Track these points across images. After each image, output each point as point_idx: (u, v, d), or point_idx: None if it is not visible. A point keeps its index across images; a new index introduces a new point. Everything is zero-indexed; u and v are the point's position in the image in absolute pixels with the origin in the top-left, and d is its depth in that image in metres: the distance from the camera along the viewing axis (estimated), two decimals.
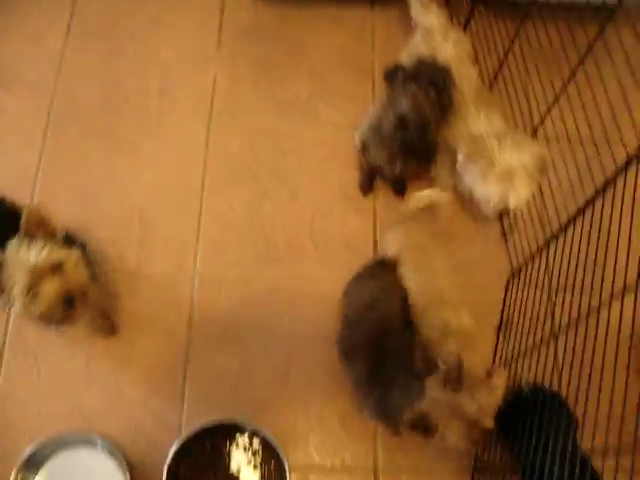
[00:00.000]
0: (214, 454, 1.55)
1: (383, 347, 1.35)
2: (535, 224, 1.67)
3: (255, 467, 1.55)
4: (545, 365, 1.42)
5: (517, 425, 1.38)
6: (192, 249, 1.77)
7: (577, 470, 1.11)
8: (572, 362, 1.23)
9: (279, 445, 1.51)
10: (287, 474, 1.48)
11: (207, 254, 1.77)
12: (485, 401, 1.13)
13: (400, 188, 1.85)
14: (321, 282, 1.75)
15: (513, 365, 1.55)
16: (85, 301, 1.26)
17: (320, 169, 1.90)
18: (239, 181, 1.88)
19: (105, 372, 1.62)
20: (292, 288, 1.74)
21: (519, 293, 1.67)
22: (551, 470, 1.15)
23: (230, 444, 1.57)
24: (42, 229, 1.22)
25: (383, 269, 1.51)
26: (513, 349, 1.58)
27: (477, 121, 1.62)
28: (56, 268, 1.20)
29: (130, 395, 1.60)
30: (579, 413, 1.15)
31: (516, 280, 1.73)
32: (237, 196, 1.86)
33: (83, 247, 1.41)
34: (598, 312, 1.19)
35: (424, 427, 1.13)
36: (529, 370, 1.45)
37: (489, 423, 1.14)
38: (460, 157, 1.59)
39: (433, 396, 1.15)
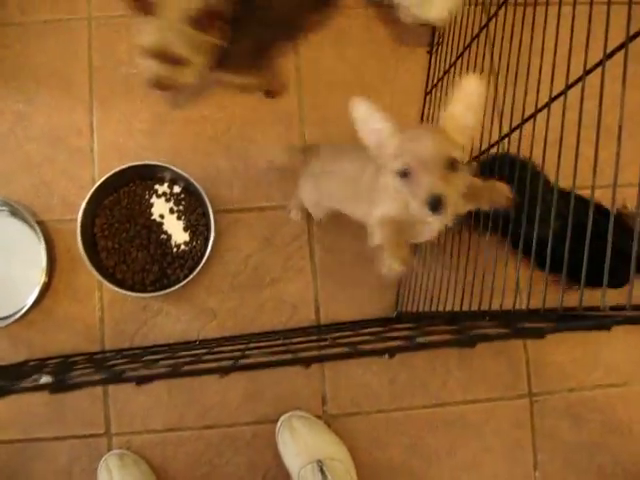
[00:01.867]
0: (132, 205, 1.44)
1: None
2: None
3: (179, 217, 1.44)
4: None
5: None
6: None
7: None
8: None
9: (202, 190, 1.38)
10: (212, 220, 1.37)
11: None
12: None
13: None
14: None
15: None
16: None
17: None
18: None
19: (3, 133, 1.45)
20: None
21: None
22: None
23: (150, 195, 1.45)
24: None
25: None
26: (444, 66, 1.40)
27: None
28: None
29: (35, 154, 1.45)
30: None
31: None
32: None
33: None
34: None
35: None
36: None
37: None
38: None
39: None
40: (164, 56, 1.11)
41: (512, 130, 1.07)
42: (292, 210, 1.45)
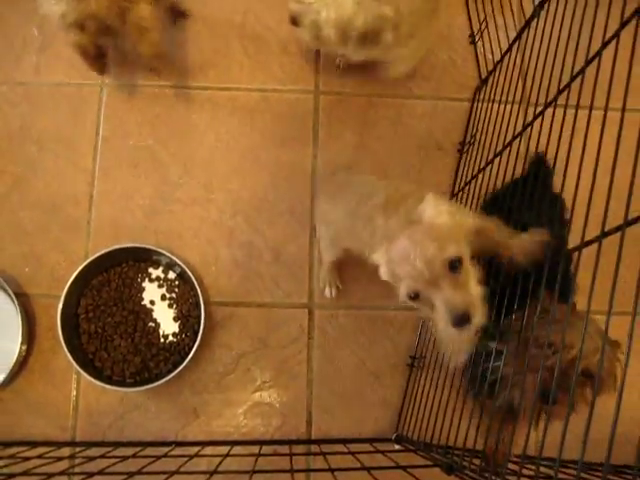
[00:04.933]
0: (122, 287, 1.34)
1: None
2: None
3: (170, 305, 1.33)
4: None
5: None
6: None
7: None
8: None
9: (195, 279, 1.27)
10: (202, 313, 1.26)
11: (118, 62, 1.45)
12: None
13: None
14: (252, 94, 1.44)
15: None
16: None
17: None
18: None
19: None
20: (216, 100, 1.43)
21: (489, 105, 1.33)
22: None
23: (142, 278, 1.34)
24: None
25: None
26: (474, 168, 1.28)
27: None
28: None
29: (29, 221, 1.37)
30: None
31: (486, 89, 1.39)
32: None
33: None
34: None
35: None
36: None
37: None
38: None
39: None
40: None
41: None
42: (325, 286, 1.34)
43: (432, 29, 1.27)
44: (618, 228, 0.69)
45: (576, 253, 0.79)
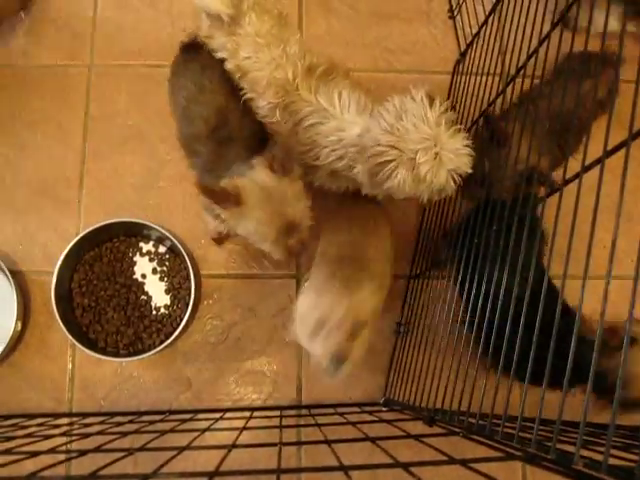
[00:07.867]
0: (114, 262, 1.37)
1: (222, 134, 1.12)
2: None
3: (162, 278, 1.37)
4: None
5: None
6: (88, 39, 1.49)
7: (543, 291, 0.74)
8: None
9: (185, 252, 1.31)
10: (193, 284, 1.29)
11: (105, 44, 1.48)
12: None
13: None
14: None
15: None
16: None
17: None
18: None
19: None
20: None
21: (467, 77, 1.36)
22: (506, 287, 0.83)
23: (133, 253, 1.38)
24: None
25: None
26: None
27: None
28: None
29: (21, 201, 1.40)
30: None
31: (465, 62, 1.42)
32: None
33: None
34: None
35: (226, 200, 0.94)
36: None
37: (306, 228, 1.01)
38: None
39: (255, 176, 0.97)
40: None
41: None
42: None
43: None
44: (598, 160, 0.71)
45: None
